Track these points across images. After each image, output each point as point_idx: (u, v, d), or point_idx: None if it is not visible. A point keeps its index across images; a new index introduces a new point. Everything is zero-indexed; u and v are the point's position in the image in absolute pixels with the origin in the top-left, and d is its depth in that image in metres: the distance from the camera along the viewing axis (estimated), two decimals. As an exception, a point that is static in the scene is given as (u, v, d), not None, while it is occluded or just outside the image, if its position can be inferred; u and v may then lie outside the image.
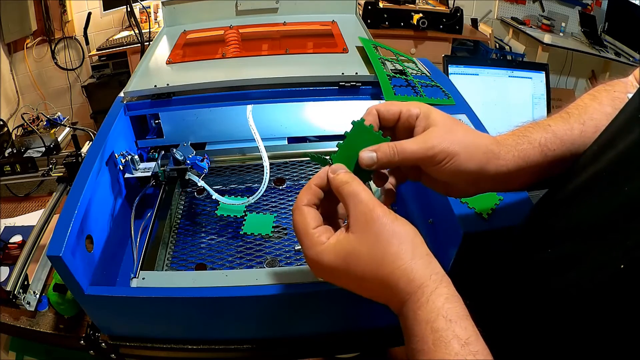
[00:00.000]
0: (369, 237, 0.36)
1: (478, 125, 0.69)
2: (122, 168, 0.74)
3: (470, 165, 0.40)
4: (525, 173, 0.42)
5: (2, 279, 0.79)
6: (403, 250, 0.35)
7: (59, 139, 1.31)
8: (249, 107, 0.77)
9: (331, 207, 0.43)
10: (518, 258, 0.45)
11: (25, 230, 0.92)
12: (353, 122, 0.43)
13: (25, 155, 1.25)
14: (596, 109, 0.44)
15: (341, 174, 0.40)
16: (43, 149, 1.27)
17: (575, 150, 0.42)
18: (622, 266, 0.31)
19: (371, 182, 0.45)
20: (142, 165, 0.77)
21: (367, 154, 0.41)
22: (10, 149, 1.28)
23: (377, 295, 0.38)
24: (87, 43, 2.52)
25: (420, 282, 0.34)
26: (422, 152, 0.40)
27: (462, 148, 0.40)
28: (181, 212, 0.80)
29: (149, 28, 1.59)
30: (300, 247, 0.41)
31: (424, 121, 0.42)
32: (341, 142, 0.43)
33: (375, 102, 0.85)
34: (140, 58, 0.92)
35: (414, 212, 0.70)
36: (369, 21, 2.22)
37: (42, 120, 1.34)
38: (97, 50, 2.41)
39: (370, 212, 0.37)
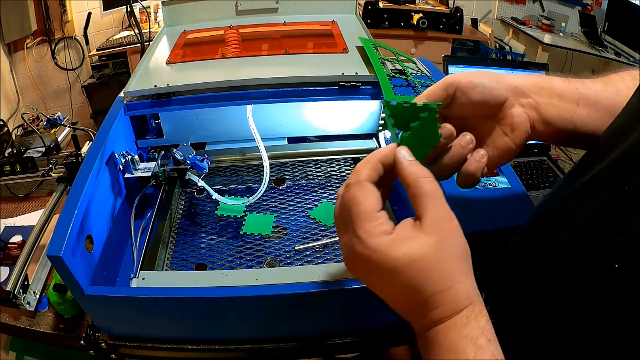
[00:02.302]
0: (446, 248, 0.33)
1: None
2: (122, 168, 0.74)
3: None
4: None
5: (2, 279, 0.79)
6: (465, 268, 0.34)
7: (59, 139, 1.31)
8: (249, 107, 0.77)
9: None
10: (522, 256, 0.45)
11: (25, 230, 0.92)
12: (425, 104, 0.37)
13: (25, 155, 1.25)
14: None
15: (418, 164, 0.36)
16: (43, 149, 1.27)
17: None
18: (618, 264, 0.31)
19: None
20: (142, 165, 0.77)
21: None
22: (10, 149, 1.28)
23: (407, 308, 0.35)
24: (87, 43, 2.53)
25: (472, 300, 0.34)
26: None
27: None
28: (181, 212, 0.80)
29: (149, 28, 1.59)
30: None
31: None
32: (414, 124, 0.37)
33: (375, 102, 0.85)
34: (140, 58, 0.92)
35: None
36: (369, 21, 2.22)
37: (42, 120, 1.34)
38: (97, 50, 2.41)
39: (449, 221, 0.35)
